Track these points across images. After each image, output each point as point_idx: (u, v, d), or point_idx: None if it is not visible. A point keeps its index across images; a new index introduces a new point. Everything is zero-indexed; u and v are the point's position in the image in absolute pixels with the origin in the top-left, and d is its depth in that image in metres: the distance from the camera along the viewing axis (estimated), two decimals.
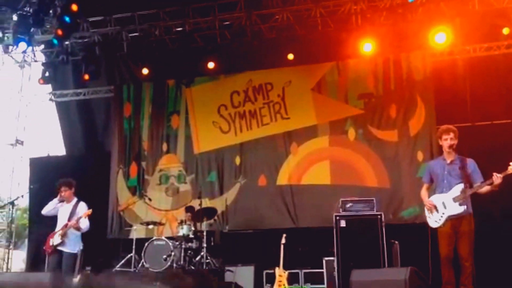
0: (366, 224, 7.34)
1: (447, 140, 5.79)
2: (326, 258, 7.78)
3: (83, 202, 7.52)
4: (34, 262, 10.01)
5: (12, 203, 9.31)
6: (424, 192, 6.02)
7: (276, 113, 10.37)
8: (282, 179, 9.99)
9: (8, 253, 9.73)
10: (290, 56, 10.12)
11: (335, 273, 7.25)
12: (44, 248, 7.45)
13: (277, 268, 7.76)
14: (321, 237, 8.12)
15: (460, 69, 9.79)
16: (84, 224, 7.27)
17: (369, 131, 9.75)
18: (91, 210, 7.41)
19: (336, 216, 7.57)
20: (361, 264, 6.32)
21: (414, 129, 9.52)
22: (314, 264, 8.13)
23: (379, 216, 7.36)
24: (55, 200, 7.50)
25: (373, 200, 7.69)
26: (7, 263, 9.37)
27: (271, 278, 7.99)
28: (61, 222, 7.43)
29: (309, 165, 9.91)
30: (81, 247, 7.42)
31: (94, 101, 11.87)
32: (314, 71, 10.34)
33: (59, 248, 7.23)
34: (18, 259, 10.02)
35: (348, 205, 7.74)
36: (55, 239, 7.27)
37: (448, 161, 5.81)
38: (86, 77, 10.95)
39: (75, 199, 7.52)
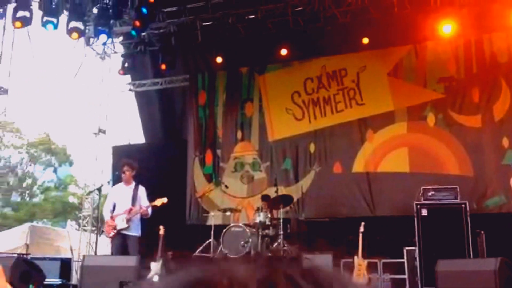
0: (450, 213, 7.11)
1: None
2: (407, 248, 7.61)
3: (142, 186, 7.58)
4: None
5: (99, 189, 9.72)
6: None
7: (351, 99, 10.21)
8: (358, 166, 9.86)
9: (96, 237, 10.21)
10: (365, 41, 9.92)
11: (417, 263, 7.08)
12: (104, 231, 7.59)
13: (355, 257, 7.68)
14: (401, 226, 7.96)
15: None
16: (150, 210, 7.40)
17: (450, 116, 9.40)
18: (166, 199, 7.49)
19: (417, 204, 7.39)
20: (444, 255, 6.15)
21: (499, 114, 9.09)
22: (394, 254, 7.97)
23: (463, 205, 7.11)
24: (109, 201, 7.61)
25: (456, 188, 7.43)
26: (95, 247, 9.84)
27: (349, 267, 7.92)
28: (122, 205, 7.49)
29: (386, 152, 9.71)
30: (160, 233, 7.52)
31: (171, 90, 12.17)
32: (390, 55, 10.07)
33: (124, 232, 7.38)
34: (102, 243, 10.50)
35: (429, 194, 7.52)
36: (119, 223, 7.39)
37: None
38: (163, 67, 11.25)
39: (133, 183, 7.58)
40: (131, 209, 7.39)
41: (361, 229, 7.75)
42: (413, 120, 9.64)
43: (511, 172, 5.91)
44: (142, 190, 7.54)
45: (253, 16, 10.73)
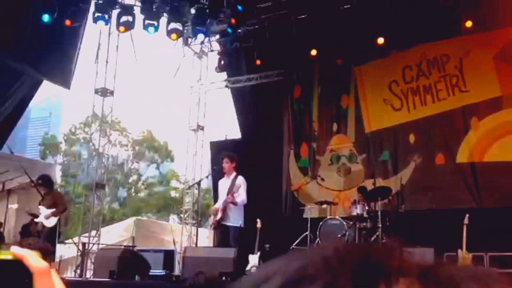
0: None
1: None
2: None
3: (241, 176, 7.66)
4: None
5: (198, 183, 10.04)
6: None
7: (454, 86, 9.70)
8: (462, 156, 9.35)
9: (196, 230, 10.55)
10: (468, 24, 9.37)
11: None
12: (210, 223, 7.81)
13: (459, 250, 7.28)
14: (509, 218, 7.41)
15: None
16: (240, 198, 7.44)
17: None
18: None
19: None
20: None
21: None
22: (502, 247, 7.45)
23: None
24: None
25: None
26: (196, 239, 10.16)
27: (453, 261, 7.52)
28: (222, 196, 7.71)
29: (494, 141, 9.11)
30: (257, 226, 7.62)
31: (266, 85, 12.26)
32: (495, 38, 9.46)
33: (223, 222, 7.53)
34: (203, 236, 10.83)
35: None
36: (218, 214, 7.58)
37: None
38: (258, 62, 11.37)
39: (234, 173, 7.72)
40: (225, 200, 7.56)
41: (466, 221, 7.33)
42: None
43: None
44: (240, 180, 7.64)
45: (348, 6, 10.51)
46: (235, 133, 13.01)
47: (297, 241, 8.89)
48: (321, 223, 8.57)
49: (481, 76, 9.45)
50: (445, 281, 0.42)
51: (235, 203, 7.46)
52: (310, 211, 9.30)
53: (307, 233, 8.85)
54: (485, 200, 8.92)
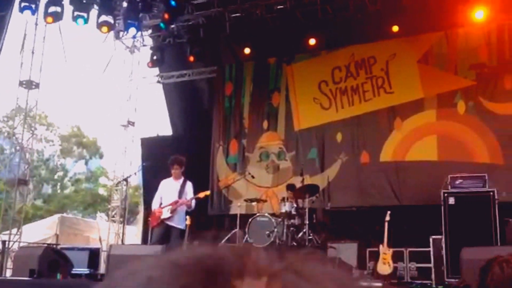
0: (477, 202, 6.89)
1: None
2: (433, 237, 7.42)
3: (190, 182, 7.89)
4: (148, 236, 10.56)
5: (125, 180, 9.87)
6: None
7: (380, 87, 10.03)
8: (386, 155, 9.67)
9: (123, 228, 10.36)
10: (395, 28, 9.73)
11: (443, 252, 6.89)
12: (149, 220, 7.84)
13: (381, 246, 7.55)
14: (427, 215, 7.77)
15: None
16: (194, 203, 7.71)
17: (481, 103, 9.12)
18: (209, 192, 8.07)
19: (444, 193, 7.18)
20: (471, 243, 5.94)
21: None
22: (420, 243, 7.80)
23: (491, 193, 6.87)
24: (157, 195, 7.88)
25: (485, 176, 7.19)
26: (122, 237, 10.00)
27: (375, 256, 7.79)
28: (168, 198, 7.78)
29: (415, 141, 9.49)
30: (187, 223, 7.75)
31: (198, 82, 12.23)
32: (420, 43, 9.85)
33: (167, 222, 7.60)
34: (131, 234, 10.65)
35: (457, 182, 7.30)
36: (164, 213, 7.65)
37: None
38: (191, 58, 11.32)
39: (182, 178, 7.86)
40: (177, 201, 7.67)
41: (387, 218, 7.62)
42: (442, 108, 9.40)
43: None
44: (189, 186, 7.86)
45: (282, 6, 10.65)
46: (166, 130, 12.89)
47: (226, 238, 8.90)
48: (250, 220, 8.61)
49: (405, 78, 9.81)
50: (293, 282, 0.43)
51: (190, 207, 7.66)
52: (239, 208, 9.33)
53: (236, 230, 8.88)
54: (405, 197, 9.27)
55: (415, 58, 9.83)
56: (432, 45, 9.79)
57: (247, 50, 11.06)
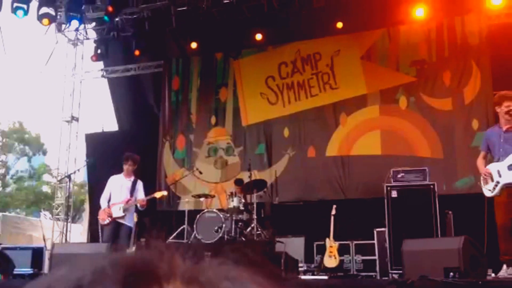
0: (419, 194, 7.14)
1: (510, 107, 5.52)
2: (377, 229, 7.66)
3: (141, 181, 7.90)
4: (95, 234, 10.36)
5: (69, 177, 9.63)
6: (480, 161, 5.81)
7: (325, 83, 10.20)
8: (332, 150, 9.86)
9: (66, 226, 10.11)
10: (339, 25, 9.91)
11: (387, 244, 7.12)
12: (99, 218, 7.74)
13: (327, 239, 7.72)
14: (372, 208, 7.99)
15: None
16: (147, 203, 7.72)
17: (422, 99, 9.44)
18: (166, 192, 8.30)
19: (387, 186, 7.41)
20: (413, 235, 6.17)
21: (469, 97, 9.13)
22: (365, 236, 8.02)
23: (431, 186, 7.13)
24: (106, 191, 7.83)
25: (425, 169, 7.46)
26: (65, 235, 9.76)
27: (322, 249, 7.96)
28: (119, 195, 7.72)
29: (359, 136, 9.72)
30: (135, 220, 7.73)
31: (144, 76, 12.04)
32: (363, 39, 10.08)
33: (119, 220, 7.55)
34: (76, 232, 10.42)
35: (399, 175, 7.54)
36: (115, 212, 7.60)
37: (505, 129, 5.56)
38: (137, 52, 11.12)
39: (133, 176, 7.86)
40: (129, 200, 7.63)
41: (333, 211, 7.81)
42: (385, 103, 9.66)
43: (478, 153, 5.97)
44: (140, 184, 7.87)
45: (228, 0, 10.62)
46: (112, 125, 12.63)
47: (174, 234, 8.86)
48: (198, 216, 8.58)
49: (349, 74, 10.01)
50: (205, 282, 0.46)
51: (144, 206, 7.67)
52: (187, 204, 9.30)
53: (184, 226, 8.85)
54: (351, 191, 9.49)
55: (358, 54, 10.05)
56: (375, 42, 10.03)
57: (193, 45, 11.00)
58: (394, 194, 7.29)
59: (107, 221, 7.65)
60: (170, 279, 0.45)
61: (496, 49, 9.10)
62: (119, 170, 8.10)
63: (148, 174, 10.21)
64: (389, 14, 9.70)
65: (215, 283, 0.45)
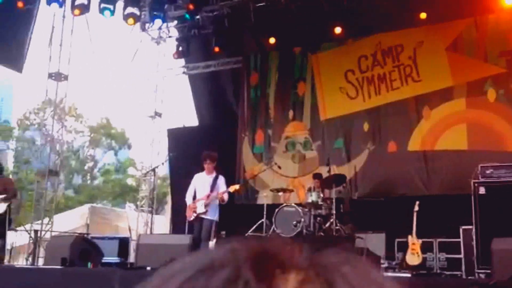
0: (509, 192, 6.75)
1: None
2: (464, 227, 7.33)
3: (222, 176, 8.09)
4: (177, 225, 10.65)
5: (153, 170, 9.97)
6: None
7: (407, 76, 9.89)
8: (414, 145, 9.56)
9: (151, 217, 10.48)
10: (423, 15, 9.58)
11: (473, 243, 6.80)
12: (186, 215, 8.04)
13: (409, 236, 7.49)
14: (457, 205, 7.65)
15: None
16: (227, 196, 7.91)
17: None
18: (239, 185, 8.32)
19: (474, 182, 7.06)
20: (502, 234, 5.85)
21: None
22: (450, 233, 7.70)
23: None
24: (191, 188, 8.07)
25: None
26: (151, 226, 10.11)
27: (403, 246, 7.73)
28: (201, 191, 7.98)
29: (444, 130, 9.35)
30: (218, 216, 7.99)
31: (223, 72, 12.23)
32: (448, 30, 9.67)
33: (202, 216, 7.81)
34: (159, 223, 10.77)
35: (488, 171, 7.16)
36: (198, 208, 7.84)
37: None
38: (216, 49, 11.32)
39: (215, 173, 8.05)
40: (209, 195, 7.85)
41: (416, 208, 7.54)
42: (472, 96, 9.23)
43: None
44: (221, 179, 8.06)
45: None
46: (193, 120, 12.95)
47: (253, 228, 8.93)
48: (277, 210, 8.61)
49: (433, 66, 9.65)
50: (327, 264, 0.47)
51: (223, 201, 7.87)
52: (265, 198, 9.35)
53: (263, 220, 8.90)
54: (435, 187, 9.15)
55: (443, 45, 9.66)
56: (461, 32, 9.61)
57: (272, 40, 11.04)
58: (482, 190, 6.93)
59: (192, 217, 7.92)
60: (297, 266, 0.47)
61: None
62: (199, 164, 8.31)
63: (228, 169, 10.36)
64: (476, 2, 9.26)
65: (336, 266, 0.47)
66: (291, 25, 10.86)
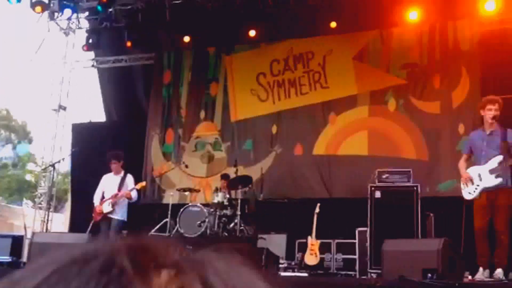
0: (402, 196, 7.13)
1: (491, 111, 5.53)
2: (359, 229, 7.63)
3: (130, 175, 8.05)
4: (76, 224, 10.27)
5: (53, 166, 9.53)
6: (461, 163, 5.81)
7: (316, 82, 10.17)
8: (319, 149, 9.83)
9: (48, 215, 10.01)
10: (333, 24, 9.88)
11: (368, 244, 7.10)
12: (93, 215, 7.84)
13: (309, 237, 7.69)
14: (356, 208, 7.95)
15: (510, 39, 9.26)
16: (135, 194, 7.87)
17: (411, 102, 9.43)
18: (145, 182, 8.32)
19: (371, 186, 7.39)
20: (394, 235, 6.15)
21: (457, 101, 9.14)
22: (347, 235, 7.99)
23: (415, 188, 7.13)
24: (99, 189, 7.99)
25: (409, 171, 7.45)
26: (47, 224, 9.66)
27: (303, 247, 7.93)
28: (109, 192, 7.87)
29: (347, 135, 9.70)
30: (126, 215, 7.98)
31: (135, 68, 11.97)
32: (356, 40, 10.06)
33: (109, 215, 7.72)
34: (58, 221, 10.32)
35: (384, 176, 7.52)
36: (104, 207, 7.74)
37: (488, 132, 5.56)
38: (128, 44, 11.07)
39: (122, 172, 7.98)
40: (116, 194, 7.78)
41: (317, 210, 7.79)
42: (374, 104, 9.65)
43: (460, 157, 6.00)
44: (130, 178, 8.03)
45: None
46: (100, 116, 12.54)
47: (156, 227, 8.80)
48: (181, 210, 8.56)
49: (340, 74, 9.98)
50: (200, 260, 0.48)
51: (131, 199, 7.84)
52: (171, 197, 9.24)
53: (167, 219, 8.80)
54: (336, 190, 9.46)
55: (351, 54, 10.03)
56: (367, 43, 10.01)
57: (186, 38, 10.94)
58: (377, 194, 7.27)
59: (98, 218, 7.81)
60: (168, 256, 0.47)
61: (487, 55, 9.09)
62: (105, 162, 8.15)
63: (135, 165, 10.15)
64: (383, 16, 9.69)
65: (210, 262, 0.47)
66: (207, 25, 10.82)
